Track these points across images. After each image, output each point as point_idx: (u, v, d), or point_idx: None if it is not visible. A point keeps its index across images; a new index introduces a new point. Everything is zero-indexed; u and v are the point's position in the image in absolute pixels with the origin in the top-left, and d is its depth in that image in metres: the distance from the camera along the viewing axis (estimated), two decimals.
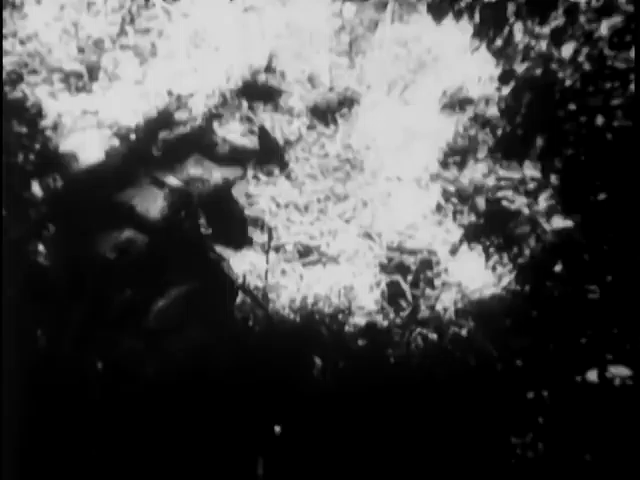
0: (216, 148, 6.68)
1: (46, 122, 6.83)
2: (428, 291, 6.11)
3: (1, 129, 6.45)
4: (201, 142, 6.70)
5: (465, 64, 6.23)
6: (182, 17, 7.19)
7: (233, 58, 6.86)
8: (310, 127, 6.64)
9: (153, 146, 6.69)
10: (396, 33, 6.59)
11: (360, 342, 5.41)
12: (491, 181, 5.70)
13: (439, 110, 6.05)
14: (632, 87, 5.06)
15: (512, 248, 5.61)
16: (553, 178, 5.70)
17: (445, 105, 5.79)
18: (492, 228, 5.60)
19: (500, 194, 5.67)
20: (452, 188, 5.81)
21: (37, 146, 6.57)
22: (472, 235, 5.75)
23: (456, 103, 5.78)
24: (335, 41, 6.64)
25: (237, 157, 6.68)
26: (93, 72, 6.74)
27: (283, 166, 6.63)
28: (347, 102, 6.51)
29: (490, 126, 5.70)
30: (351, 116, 6.61)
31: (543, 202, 5.86)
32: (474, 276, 6.09)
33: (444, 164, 5.90)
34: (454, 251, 5.98)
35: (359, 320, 5.67)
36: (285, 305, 5.79)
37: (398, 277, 6.05)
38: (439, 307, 5.99)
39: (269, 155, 6.60)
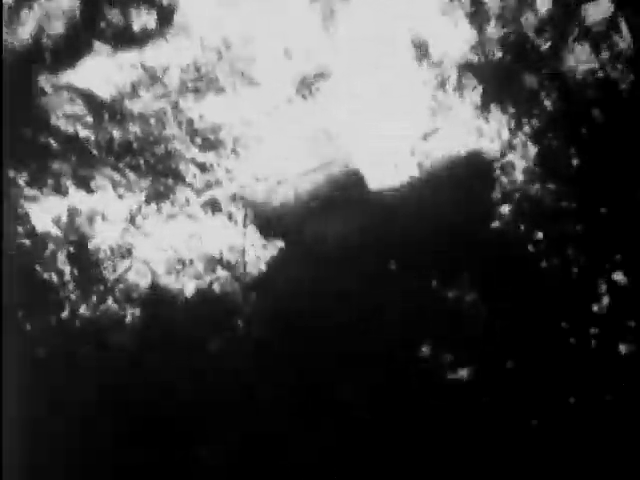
0: (193, 123, 6.63)
1: None
2: None
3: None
4: (177, 117, 6.65)
5: (439, 26, 6.20)
6: None
7: (208, 31, 6.78)
8: (288, 100, 6.61)
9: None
10: (371, 1, 6.54)
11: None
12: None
13: (415, 78, 6.06)
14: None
15: None
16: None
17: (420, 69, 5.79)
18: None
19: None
20: (427, 159, 5.87)
21: None
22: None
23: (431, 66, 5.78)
24: (310, 12, 6.59)
25: (215, 132, 6.65)
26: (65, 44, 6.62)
27: (261, 140, 6.61)
28: (322, 75, 6.48)
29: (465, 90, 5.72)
30: (328, 88, 6.59)
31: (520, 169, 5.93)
32: None
33: (422, 136, 5.94)
34: None
35: None
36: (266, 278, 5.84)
37: None
38: None
39: (247, 129, 6.58)
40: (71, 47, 6.69)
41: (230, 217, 6.48)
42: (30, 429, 4.60)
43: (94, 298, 6.11)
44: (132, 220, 6.59)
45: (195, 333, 5.34)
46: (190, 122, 6.65)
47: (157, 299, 5.63)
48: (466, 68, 5.62)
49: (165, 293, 5.75)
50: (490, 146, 5.91)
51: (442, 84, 5.77)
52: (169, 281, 6.01)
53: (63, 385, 5.25)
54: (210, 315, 5.45)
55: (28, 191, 6.70)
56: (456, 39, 5.74)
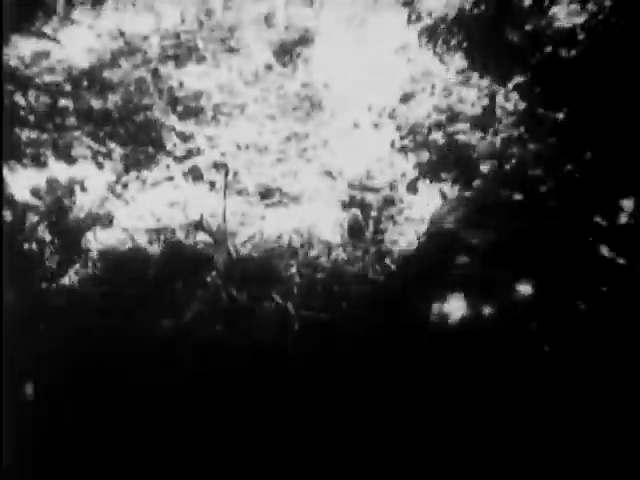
0: (173, 91, 6.57)
1: None
2: (391, 227, 6.17)
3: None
4: (157, 85, 6.58)
5: None
6: None
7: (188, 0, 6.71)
8: (268, 67, 6.56)
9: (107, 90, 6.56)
10: None
11: (320, 275, 5.46)
12: (444, 116, 5.72)
13: (398, 43, 6.01)
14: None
15: (468, 181, 5.66)
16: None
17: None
18: (445, 163, 5.63)
19: (454, 128, 5.70)
20: (407, 124, 5.82)
21: None
22: (427, 171, 5.78)
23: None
24: None
25: (195, 99, 6.59)
26: (45, 13, 6.55)
27: (242, 107, 6.56)
28: (304, 40, 6.43)
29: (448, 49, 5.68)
30: (308, 55, 6.54)
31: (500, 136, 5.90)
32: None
33: (402, 99, 5.89)
34: (412, 188, 6.02)
35: (320, 254, 5.71)
36: (245, 243, 5.81)
37: (358, 213, 6.08)
38: (403, 242, 6.05)
39: (227, 96, 6.52)
40: (50, 14, 6.62)
41: (211, 185, 6.43)
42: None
43: (74, 266, 6.06)
44: (112, 189, 6.53)
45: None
46: (170, 90, 6.59)
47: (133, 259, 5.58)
48: (451, 24, 5.57)
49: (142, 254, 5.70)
50: (470, 110, 5.89)
51: (426, 42, 5.73)
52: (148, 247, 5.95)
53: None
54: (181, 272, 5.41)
55: (6, 162, 6.63)
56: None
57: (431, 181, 6.01)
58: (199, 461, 4.33)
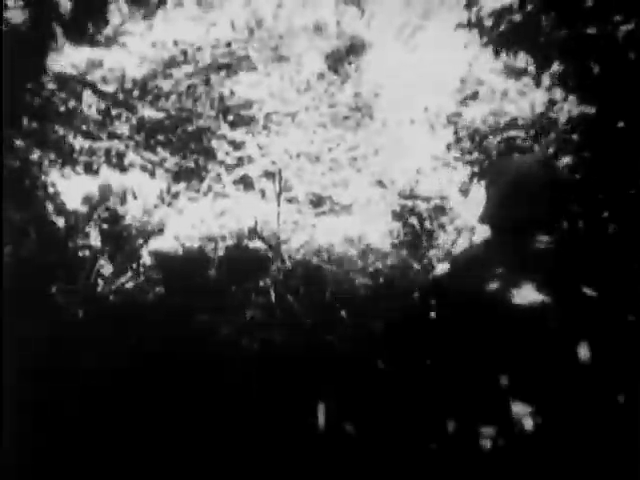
0: (224, 99, 6.61)
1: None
2: (442, 235, 6.12)
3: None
4: (209, 94, 6.63)
5: None
6: None
7: (238, 9, 6.76)
8: (319, 75, 6.57)
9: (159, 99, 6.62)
10: None
11: (372, 282, 5.42)
12: (502, 120, 5.67)
13: (452, 47, 5.97)
14: None
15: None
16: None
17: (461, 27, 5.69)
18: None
19: (511, 133, 5.65)
20: (464, 128, 5.78)
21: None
22: (480, 172, 5.72)
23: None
24: None
25: (246, 108, 6.62)
26: (98, 24, 6.64)
27: (293, 116, 6.57)
28: (355, 49, 6.43)
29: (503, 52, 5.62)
30: (359, 63, 6.54)
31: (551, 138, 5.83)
32: None
33: (459, 103, 5.85)
34: (465, 190, 5.97)
35: (373, 262, 5.67)
36: (298, 249, 5.79)
37: (414, 222, 6.04)
38: (456, 250, 5.99)
39: (278, 104, 6.54)
40: (104, 24, 6.71)
41: (262, 193, 6.44)
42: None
43: (127, 273, 6.09)
44: (164, 197, 6.57)
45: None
46: (221, 99, 6.63)
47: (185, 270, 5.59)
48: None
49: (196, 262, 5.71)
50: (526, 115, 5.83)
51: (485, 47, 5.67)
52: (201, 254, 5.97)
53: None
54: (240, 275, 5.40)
55: (60, 170, 6.71)
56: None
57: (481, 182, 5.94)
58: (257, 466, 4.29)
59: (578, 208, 5.96)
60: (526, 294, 4.20)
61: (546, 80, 5.36)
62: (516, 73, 5.64)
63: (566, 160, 5.97)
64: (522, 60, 5.65)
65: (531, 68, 5.50)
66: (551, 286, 4.47)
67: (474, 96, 5.76)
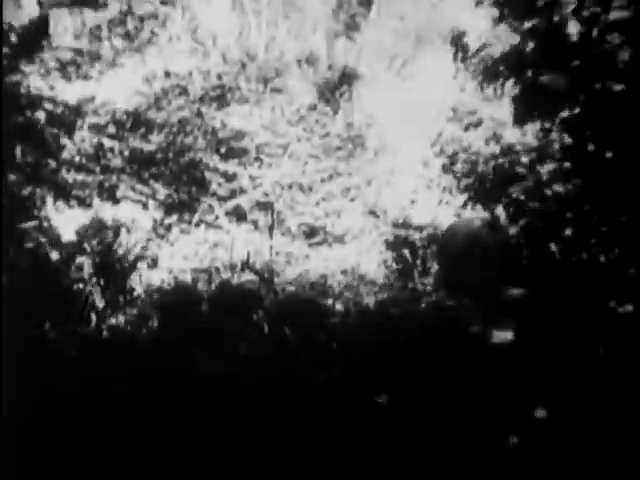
0: (215, 131, 6.63)
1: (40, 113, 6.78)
2: (435, 265, 6.10)
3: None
4: (201, 126, 6.65)
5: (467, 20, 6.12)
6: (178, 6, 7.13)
7: (229, 40, 6.81)
8: (310, 107, 6.60)
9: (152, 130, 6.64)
10: (392, 7, 6.55)
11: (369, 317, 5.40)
12: (497, 147, 5.69)
13: (442, 80, 6.01)
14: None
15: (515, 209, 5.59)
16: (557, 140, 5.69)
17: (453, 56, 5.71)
18: (495, 190, 5.57)
19: (504, 159, 5.65)
20: (458, 154, 5.79)
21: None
22: (475, 198, 5.72)
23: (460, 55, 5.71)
24: (333, 20, 6.60)
25: (238, 140, 6.64)
26: (91, 60, 6.68)
27: (285, 147, 6.58)
28: (347, 80, 6.47)
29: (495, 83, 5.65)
30: (351, 94, 6.57)
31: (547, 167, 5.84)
32: None
33: (453, 130, 5.87)
34: (459, 216, 5.96)
35: (367, 294, 5.65)
36: (291, 281, 5.78)
37: (405, 252, 6.03)
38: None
39: (270, 136, 6.56)
40: (94, 59, 6.75)
41: (255, 225, 6.44)
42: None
43: (120, 306, 6.06)
44: (157, 230, 6.56)
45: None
46: (213, 130, 6.65)
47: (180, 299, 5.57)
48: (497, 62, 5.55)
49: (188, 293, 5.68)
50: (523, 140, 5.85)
51: (472, 79, 5.71)
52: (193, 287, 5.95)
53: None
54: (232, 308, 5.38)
55: (53, 203, 6.71)
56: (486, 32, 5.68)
57: (476, 207, 5.95)
58: None
59: (572, 234, 5.96)
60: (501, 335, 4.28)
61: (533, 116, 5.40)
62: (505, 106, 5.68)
63: (558, 188, 5.99)
64: (509, 91, 5.69)
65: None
66: (522, 329, 4.55)
67: (468, 123, 5.78)
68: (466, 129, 5.70)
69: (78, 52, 6.75)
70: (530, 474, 4.16)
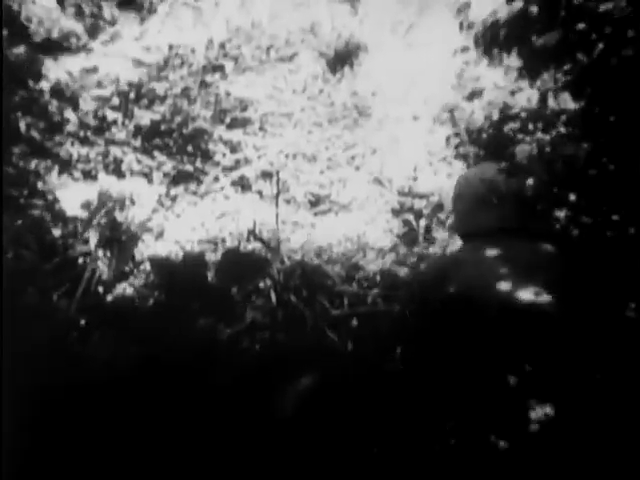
0: (220, 101, 6.61)
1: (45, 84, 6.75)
2: (440, 232, 6.10)
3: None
4: (204, 96, 6.62)
5: None
6: None
7: (232, 10, 6.76)
8: (314, 76, 6.56)
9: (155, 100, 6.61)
10: None
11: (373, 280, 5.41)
12: (498, 113, 5.65)
13: (447, 47, 5.97)
14: None
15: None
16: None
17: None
18: (498, 157, 5.55)
19: (507, 126, 5.63)
20: (461, 122, 5.77)
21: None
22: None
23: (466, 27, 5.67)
24: None
25: (241, 109, 6.61)
26: (92, 31, 6.64)
27: (289, 116, 6.56)
28: (351, 48, 6.43)
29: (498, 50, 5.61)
30: (355, 62, 6.53)
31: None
32: None
33: (457, 98, 5.84)
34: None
35: (372, 259, 5.66)
36: (298, 249, 5.79)
37: (411, 219, 6.03)
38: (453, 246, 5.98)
39: (275, 105, 6.53)
40: (98, 30, 6.72)
41: (260, 194, 6.43)
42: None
43: (127, 277, 6.08)
44: (162, 201, 6.57)
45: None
46: (217, 100, 6.63)
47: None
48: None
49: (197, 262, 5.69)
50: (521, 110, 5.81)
51: (477, 46, 5.67)
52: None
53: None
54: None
55: (57, 178, 6.71)
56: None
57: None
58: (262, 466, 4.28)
59: (579, 201, 5.94)
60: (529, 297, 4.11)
61: (539, 80, 5.36)
62: (511, 70, 5.63)
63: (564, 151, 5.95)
64: (514, 60, 5.65)
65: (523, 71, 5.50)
66: (554, 289, 4.37)
67: (472, 91, 5.75)
68: (470, 97, 5.68)
69: (81, 20, 6.72)
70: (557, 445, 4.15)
